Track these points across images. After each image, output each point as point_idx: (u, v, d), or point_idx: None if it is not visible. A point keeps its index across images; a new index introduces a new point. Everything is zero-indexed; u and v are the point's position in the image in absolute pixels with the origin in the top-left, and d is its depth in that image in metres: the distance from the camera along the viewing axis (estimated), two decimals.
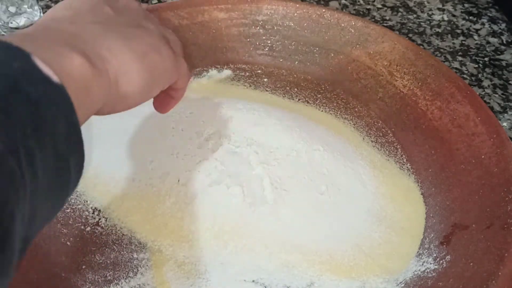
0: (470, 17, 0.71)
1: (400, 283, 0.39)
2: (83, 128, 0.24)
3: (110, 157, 0.45)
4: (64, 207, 0.42)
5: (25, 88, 0.20)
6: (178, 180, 0.43)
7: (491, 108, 0.56)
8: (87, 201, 0.43)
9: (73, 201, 0.43)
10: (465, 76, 0.61)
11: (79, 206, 0.43)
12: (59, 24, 0.27)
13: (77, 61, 0.24)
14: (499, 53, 0.65)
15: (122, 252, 0.40)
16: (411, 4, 0.72)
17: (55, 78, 0.22)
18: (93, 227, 0.42)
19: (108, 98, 0.26)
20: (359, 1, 0.72)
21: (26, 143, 0.20)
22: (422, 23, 0.69)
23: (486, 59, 0.64)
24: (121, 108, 0.29)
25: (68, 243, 0.40)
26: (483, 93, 0.59)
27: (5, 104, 0.19)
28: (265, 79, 0.56)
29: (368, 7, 0.71)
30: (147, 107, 0.35)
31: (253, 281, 0.38)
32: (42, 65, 0.22)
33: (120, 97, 0.27)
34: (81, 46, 0.25)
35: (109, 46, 0.27)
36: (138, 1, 0.33)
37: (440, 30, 0.68)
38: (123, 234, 0.41)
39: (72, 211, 0.42)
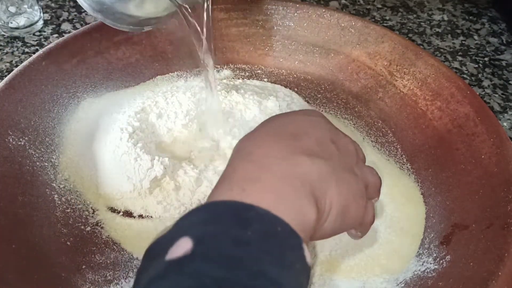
0: (470, 17, 0.71)
1: (400, 283, 0.39)
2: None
3: (110, 160, 0.45)
4: (64, 207, 0.42)
5: (290, 279, 0.23)
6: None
7: (491, 108, 0.56)
8: (87, 201, 0.43)
9: (73, 201, 0.43)
10: (465, 76, 0.61)
11: (79, 206, 0.43)
12: (296, 154, 0.28)
13: (314, 214, 0.26)
14: (499, 53, 0.65)
15: (122, 252, 0.40)
16: (411, 4, 0.72)
17: (310, 263, 0.25)
18: (93, 227, 0.42)
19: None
20: (359, 1, 0.72)
21: None
22: (422, 23, 0.69)
23: (486, 59, 0.64)
24: (312, 238, 0.30)
25: (68, 243, 0.40)
26: (483, 93, 0.59)
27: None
28: (265, 79, 0.56)
29: (368, 7, 0.71)
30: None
31: None
32: (307, 254, 0.25)
33: (316, 231, 0.28)
34: (314, 193, 0.27)
35: (328, 189, 0.28)
36: (354, 144, 0.33)
37: (440, 30, 0.68)
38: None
39: (72, 211, 0.42)
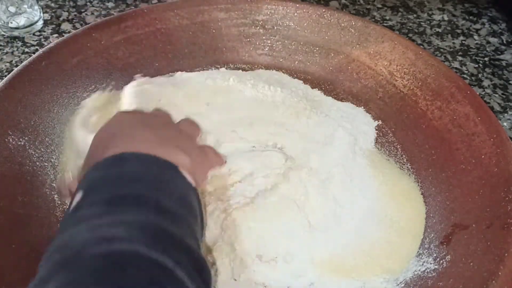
0: (470, 17, 0.71)
1: (400, 283, 0.39)
2: None
3: None
4: (64, 207, 0.42)
5: (172, 187, 0.28)
6: None
7: (491, 108, 0.56)
8: None
9: None
10: (465, 76, 0.61)
11: None
12: (135, 130, 0.32)
13: (185, 158, 0.31)
14: (499, 53, 0.65)
15: None
16: (411, 4, 0.72)
17: (193, 183, 0.30)
18: None
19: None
20: (359, 1, 0.72)
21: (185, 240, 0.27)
22: (422, 23, 0.69)
23: (486, 59, 0.64)
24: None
25: None
26: (483, 93, 0.59)
27: (160, 200, 0.27)
28: (265, 79, 0.56)
29: (368, 7, 0.71)
30: None
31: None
32: (187, 175, 0.30)
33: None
34: (176, 145, 0.32)
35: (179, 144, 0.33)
36: (166, 113, 0.39)
37: (440, 30, 0.68)
38: None
39: None
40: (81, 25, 0.64)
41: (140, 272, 0.22)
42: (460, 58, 0.64)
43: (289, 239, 0.40)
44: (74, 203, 0.27)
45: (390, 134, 0.51)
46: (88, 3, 0.68)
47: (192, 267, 0.25)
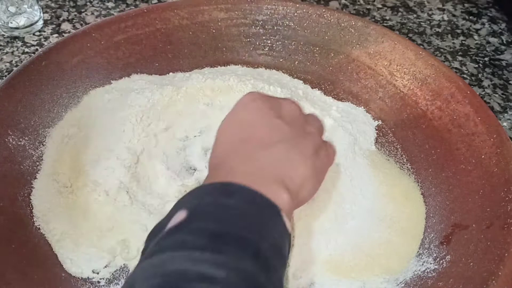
0: (470, 17, 0.71)
1: (400, 283, 0.39)
2: None
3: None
4: None
5: (274, 235, 0.28)
6: None
7: (491, 108, 0.56)
8: None
9: None
10: (465, 76, 0.61)
11: None
12: (255, 152, 0.32)
13: (286, 197, 0.30)
14: (499, 53, 0.65)
15: None
16: (411, 4, 0.72)
17: (289, 229, 0.30)
18: None
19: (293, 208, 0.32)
20: (359, 1, 0.72)
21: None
22: (422, 23, 0.69)
23: (486, 59, 0.64)
24: (296, 207, 0.33)
25: None
26: (483, 93, 0.59)
27: (260, 247, 0.26)
28: (265, 79, 0.56)
29: (368, 7, 0.71)
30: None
31: None
32: (286, 220, 0.29)
33: (298, 202, 0.32)
34: (280, 177, 0.31)
35: (292, 166, 0.32)
36: (293, 104, 0.36)
37: (440, 30, 0.68)
38: None
39: None
40: (81, 25, 0.64)
41: None
42: (460, 58, 0.64)
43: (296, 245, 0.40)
44: (176, 221, 0.27)
45: (390, 134, 0.51)
46: (88, 3, 0.68)
47: None
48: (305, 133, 0.34)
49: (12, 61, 0.58)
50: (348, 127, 0.49)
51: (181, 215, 0.27)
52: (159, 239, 0.27)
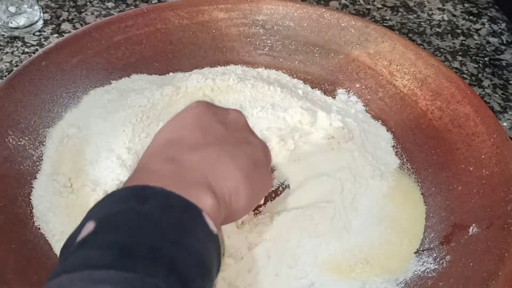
0: (470, 17, 0.71)
1: (400, 283, 0.39)
2: None
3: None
4: None
5: (192, 242, 0.26)
6: None
7: (491, 108, 0.56)
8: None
9: None
10: (465, 76, 0.61)
11: None
12: (181, 154, 0.30)
13: (210, 200, 0.28)
14: (499, 53, 0.65)
15: None
16: (411, 4, 0.72)
17: (214, 230, 0.27)
18: None
19: (223, 218, 0.30)
20: (359, 1, 0.72)
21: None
22: (422, 23, 0.69)
23: (486, 59, 0.64)
24: (227, 222, 0.32)
25: None
26: (483, 93, 0.59)
27: (176, 258, 0.24)
28: (265, 79, 0.56)
29: (368, 7, 0.71)
30: None
31: None
32: (210, 222, 0.27)
33: (231, 212, 0.31)
34: (206, 180, 0.29)
35: (224, 171, 0.30)
36: (242, 116, 0.35)
37: (440, 30, 0.68)
38: None
39: None
40: (81, 25, 0.64)
41: None
42: (460, 58, 0.64)
43: (295, 245, 0.40)
44: (84, 234, 0.25)
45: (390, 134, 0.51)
46: (88, 3, 0.68)
47: None
48: (245, 142, 0.32)
49: (12, 61, 0.58)
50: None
51: (89, 227, 0.25)
52: (66, 255, 0.25)
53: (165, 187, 0.27)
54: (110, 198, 0.27)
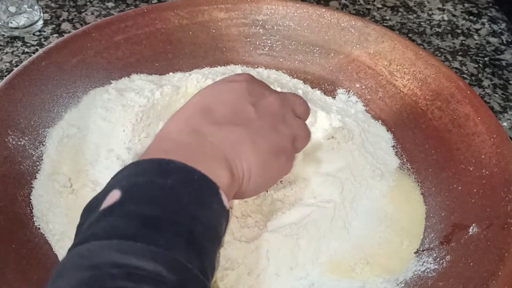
0: (470, 17, 0.71)
1: (400, 283, 0.39)
2: None
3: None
4: None
5: (209, 216, 0.28)
6: None
7: (491, 108, 0.56)
8: None
9: None
10: (465, 76, 0.61)
11: None
12: (206, 127, 0.31)
13: (227, 177, 0.30)
14: (499, 53, 0.65)
15: None
16: (411, 4, 0.72)
17: (227, 206, 0.29)
18: None
19: (233, 194, 0.32)
20: (359, 1, 0.72)
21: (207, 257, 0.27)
22: (422, 23, 0.69)
23: (486, 59, 0.64)
24: (236, 197, 0.33)
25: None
26: (483, 93, 0.59)
27: (194, 231, 0.26)
28: (265, 79, 0.56)
29: (368, 7, 0.71)
30: None
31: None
32: (224, 198, 0.29)
33: (240, 191, 0.32)
34: (226, 158, 0.30)
35: (242, 153, 0.31)
36: (283, 102, 0.35)
37: (440, 30, 0.68)
38: None
39: None
40: (81, 25, 0.64)
41: None
42: (460, 58, 0.64)
43: (295, 245, 0.40)
44: (110, 202, 0.27)
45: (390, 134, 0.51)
46: (88, 3, 0.68)
47: None
48: (272, 129, 0.33)
49: (12, 61, 0.58)
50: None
51: (115, 195, 0.27)
52: (93, 221, 0.26)
53: (187, 161, 0.28)
54: (136, 168, 0.28)
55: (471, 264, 0.37)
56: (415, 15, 0.70)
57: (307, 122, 0.47)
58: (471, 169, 0.44)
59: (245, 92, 0.33)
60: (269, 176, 0.33)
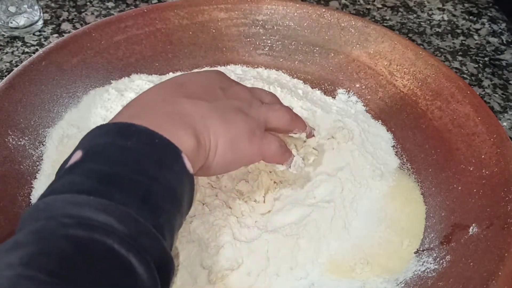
0: (470, 17, 0.71)
1: (400, 283, 0.39)
2: None
3: None
4: None
5: (168, 177, 0.28)
6: None
7: (491, 108, 0.56)
8: None
9: None
10: (465, 76, 0.61)
11: None
12: (179, 98, 0.32)
13: (192, 143, 0.30)
14: (499, 53, 0.65)
15: None
16: (411, 4, 0.72)
17: (191, 170, 0.30)
18: None
19: (200, 165, 0.32)
20: (359, 1, 0.72)
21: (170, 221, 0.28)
22: (422, 23, 0.69)
23: (486, 59, 0.64)
24: (201, 174, 0.34)
25: None
26: (483, 93, 0.59)
27: (150, 190, 0.27)
28: (265, 79, 0.56)
29: (368, 7, 0.71)
30: None
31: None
32: (187, 162, 0.29)
33: (207, 164, 0.33)
34: (193, 126, 0.31)
35: (211, 125, 0.32)
36: (250, 92, 0.37)
37: (440, 30, 0.68)
38: None
39: None
40: (81, 25, 0.64)
41: (104, 268, 0.24)
42: (460, 58, 0.64)
43: (295, 245, 0.40)
44: (72, 161, 0.28)
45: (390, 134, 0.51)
46: (88, 3, 0.68)
47: (159, 267, 0.26)
48: (241, 111, 0.34)
49: (12, 61, 0.58)
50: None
51: (77, 155, 0.28)
52: (56, 179, 0.28)
53: (150, 126, 0.29)
54: (99, 131, 0.30)
55: (471, 264, 0.37)
56: (415, 15, 0.70)
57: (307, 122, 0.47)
58: (471, 169, 0.44)
59: (216, 79, 0.36)
60: (237, 155, 0.34)
